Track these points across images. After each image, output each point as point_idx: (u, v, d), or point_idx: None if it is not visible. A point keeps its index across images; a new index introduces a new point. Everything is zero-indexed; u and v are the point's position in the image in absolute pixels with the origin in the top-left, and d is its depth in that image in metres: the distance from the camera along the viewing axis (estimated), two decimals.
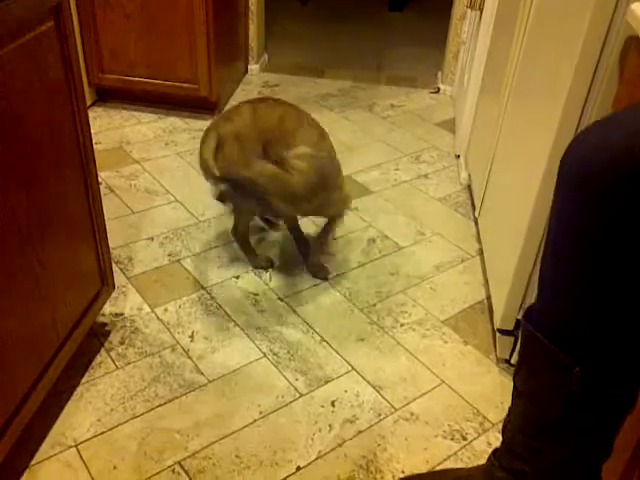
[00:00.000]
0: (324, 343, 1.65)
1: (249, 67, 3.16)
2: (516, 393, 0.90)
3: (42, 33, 1.16)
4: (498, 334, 1.58)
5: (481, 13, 2.27)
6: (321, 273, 1.88)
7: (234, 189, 1.59)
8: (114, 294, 1.73)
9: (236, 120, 1.64)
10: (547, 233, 0.79)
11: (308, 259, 1.91)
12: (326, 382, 1.54)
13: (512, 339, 1.55)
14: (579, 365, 0.77)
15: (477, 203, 2.06)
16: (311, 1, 4.28)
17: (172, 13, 2.48)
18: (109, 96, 2.79)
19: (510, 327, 1.54)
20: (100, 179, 2.27)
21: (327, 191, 1.68)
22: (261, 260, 1.90)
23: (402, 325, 1.72)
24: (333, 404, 1.48)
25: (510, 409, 0.93)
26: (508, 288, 1.50)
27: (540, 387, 0.83)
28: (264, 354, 1.61)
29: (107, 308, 1.71)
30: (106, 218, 1.79)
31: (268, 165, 1.56)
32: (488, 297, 1.79)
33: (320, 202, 1.67)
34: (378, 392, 1.52)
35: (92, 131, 2.60)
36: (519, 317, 1.51)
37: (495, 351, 1.63)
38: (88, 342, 1.59)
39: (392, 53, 3.56)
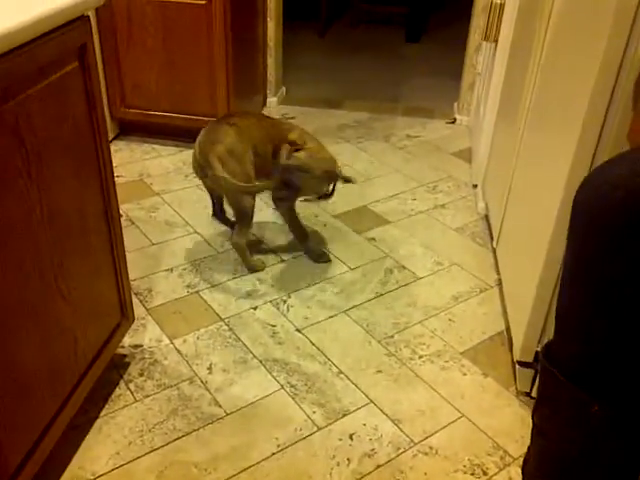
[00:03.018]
0: (342, 375, 1.64)
1: (267, 100, 3.21)
2: (535, 431, 0.89)
3: (67, 73, 1.19)
4: (518, 366, 1.56)
5: (496, 45, 2.29)
6: (322, 258, 2.06)
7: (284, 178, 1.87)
8: (134, 326, 1.75)
9: (225, 139, 1.87)
10: (562, 268, 0.78)
11: (309, 247, 2.07)
12: (344, 415, 1.53)
13: (532, 371, 1.53)
14: (598, 402, 0.76)
15: (495, 233, 2.05)
16: (328, 34, 4.35)
17: (192, 49, 2.54)
18: (131, 129, 2.85)
19: (530, 359, 1.52)
20: (121, 211, 2.30)
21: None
22: (255, 262, 2.02)
23: (420, 357, 1.71)
24: (351, 437, 1.47)
25: (530, 446, 0.92)
26: (527, 319, 1.49)
27: (559, 425, 0.82)
28: (282, 386, 1.60)
29: (127, 340, 1.73)
30: (126, 250, 1.82)
31: (298, 153, 1.84)
32: (507, 328, 1.78)
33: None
34: (397, 425, 1.50)
35: (114, 164, 2.66)
36: (539, 349, 1.49)
37: (515, 383, 1.61)
38: (107, 374, 1.60)
39: (409, 84, 3.60)
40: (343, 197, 2.45)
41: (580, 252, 0.75)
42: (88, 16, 1.22)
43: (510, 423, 1.51)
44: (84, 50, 1.23)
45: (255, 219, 2.28)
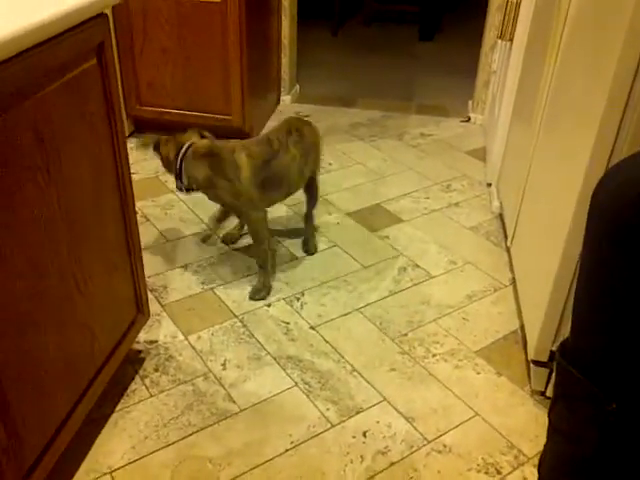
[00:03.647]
0: (355, 373, 1.65)
1: (281, 98, 3.21)
2: (551, 429, 0.88)
3: (85, 70, 1.21)
4: (532, 365, 1.55)
5: (511, 43, 2.28)
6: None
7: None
8: (149, 322, 1.76)
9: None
10: (579, 266, 0.78)
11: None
12: (357, 412, 1.53)
13: (547, 371, 1.53)
14: (615, 401, 0.75)
15: (509, 232, 2.04)
16: (341, 32, 4.35)
17: (207, 47, 2.55)
18: (146, 127, 2.87)
19: (544, 358, 1.52)
20: (136, 208, 2.31)
21: None
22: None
23: (434, 355, 1.71)
24: (365, 435, 1.47)
25: (545, 446, 0.92)
26: (542, 318, 1.48)
27: (575, 423, 0.82)
28: (295, 383, 1.61)
29: (142, 335, 1.74)
30: (142, 246, 1.83)
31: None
32: (522, 327, 1.77)
33: None
34: (410, 423, 1.50)
35: (130, 161, 2.67)
36: (553, 348, 1.49)
37: (529, 383, 1.60)
38: (123, 369, 1.62)
39: (422, 82, 3.59)
40: (356, 195, 2.45)
41: (597, 251, 0.74)
42: (106, 14, 1.23)
43: (524, 422, 1.51)
44: (102, 48, 1.24)
45: (268, 218, 2.29)
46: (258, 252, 1.91)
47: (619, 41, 1.16)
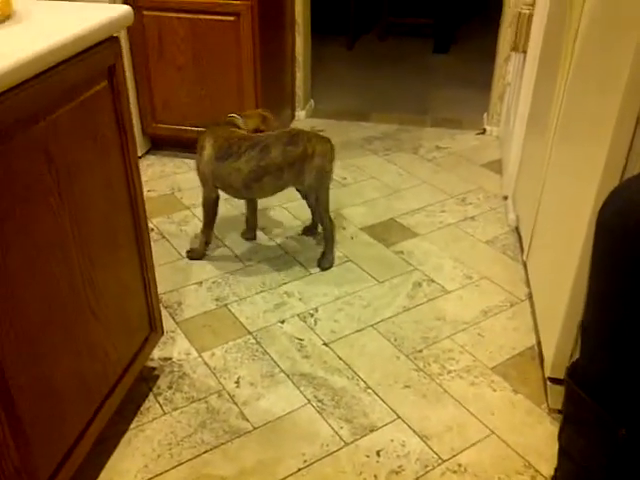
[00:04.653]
0: (369, 390, 1.63)
1: (296, 113, 3.23)
2: (561, 452, 0.86)
3: (96, 93, 1.22)
4: (549, 383, 1.53)
5: (525, 55, 2.27)
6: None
7: None
8: (163, 338, 1.77)
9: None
10: (588, 285, 0.77)
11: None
12: (371, 431, 1.52)
13: (564, 388, 1.49)
14: (624, 426, 0.73)
15: (525, 246, 2.02)
16: (357, 46, 4.36)
17: (221, 64, 2.58)
18: (162, 144, 2.90)
19: (561, 376, 1.47)
20: (152, 225, 2.34)
21: None
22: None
23: (449, 372, 1.69)
24: (378, 454, 1.46)
25: (556, 469, 0.90)
26: (558, 334, 1.46)
27: (585, 447, 0.80)
28: (309, 400, 1.60)
29: (156, 352, 1.75)
30: (157, 263, 1.85)
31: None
32: (538, 343, 1.74)
33: None
34: (425, 442, 1.48)
35: (145, 179, 2.71)
36: None
37: (547, 400, 1.58)
38: (137, 387, 1.62)
39: (437, 95, 3.58)
40: (371, 210, 2.44)
41: (604, 270, 0.73)
42: (117, 37, 1.25)
43: (541, 441, 1.48)
44: (113, 70, 1.26)
45: (281, 232, 2.30)
46: (202, 228, 2.14)
47: (630, 54, 1.15)
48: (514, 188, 2.35)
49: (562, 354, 1.47)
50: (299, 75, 3.15)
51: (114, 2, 2.44)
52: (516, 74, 2.53)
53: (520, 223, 2.21)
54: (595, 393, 0.77)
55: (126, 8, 1.25)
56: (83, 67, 1.15)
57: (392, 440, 1.49)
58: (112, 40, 1.24)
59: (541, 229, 1.83)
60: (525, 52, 2.26)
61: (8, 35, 1.08)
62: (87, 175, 1.22)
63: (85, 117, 1.19)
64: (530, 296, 1.94)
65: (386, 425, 1.53)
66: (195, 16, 2.48)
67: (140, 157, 2.83)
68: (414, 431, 1.51)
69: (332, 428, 1.52)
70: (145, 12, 2.51)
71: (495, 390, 1.63)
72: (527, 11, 2.14)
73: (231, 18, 2.47)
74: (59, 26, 1.12)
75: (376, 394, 1.62)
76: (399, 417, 1.55)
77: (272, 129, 2.13)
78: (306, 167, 1.95)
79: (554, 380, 1.51)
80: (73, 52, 1.10)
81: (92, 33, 1.15)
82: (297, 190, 2.14)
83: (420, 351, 1.76)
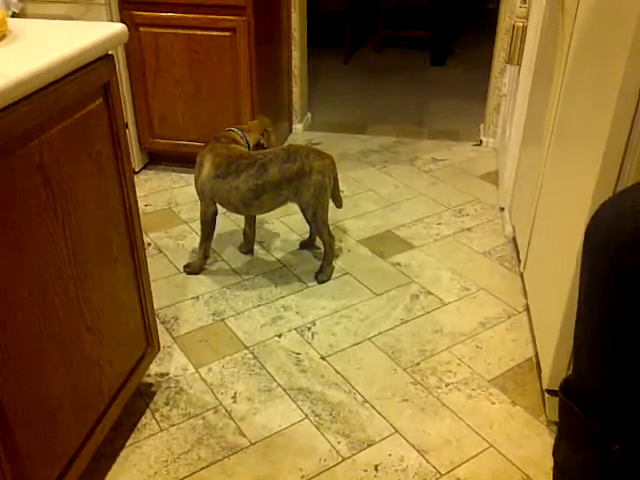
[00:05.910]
0: (367, 404, 1.62)
1: (293, 127, 3.24)
2: (557, 469, 0.86)
3: (92, 110, 1.23)
4: (547, 395, 1.52)
5: (520, 67, 2.28)
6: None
7: None
8: (160, 354, 1.76)
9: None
10: (578, 300, 0.77)
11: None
12: (369, 445, 1.51)
13: (558, 403, 1.49)
14: (618, 441, 0.73)
15: (522, 257, 2.02)
16: (353, 59, 4.39)
17: (218, 79, 2.59)
18: (160, 159, 2.91)
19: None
20: (149, 240, 2.34)
21: None
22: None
23: (447, 385, 1.68)
24: (376, 468, 1.45)
25: None
26: (555, 346, 1.46)
27: (580, 463, 0.79)
28: (306, 415, 1.59)
29: (153, 368, 1.74)
30: (154, 278, 1.84)
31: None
32: (536, 355, 1.74)
33: None
34: (423, 456, 1.48)
35: (143, 193, 2.71)
36: None
37: (545, 412, 1.57)
38: (134, 403, 1.62)
39: (434, 107, 3.60)
40: (368, 222, 2.45)
41: (592, 287, 0.73)
42: (112, 55, 1.25)
43: (540, 454, 1.47)
44: (108, 88, 1.27)
45: (279, 246, 2.30)
46: (200, 242, 2.14)
47: (622, 63, 1.15)
48: (510, 199, 2.36)
49: (559, 366, 1.47)
50: (296, 89, 3.17)
51: (111, 19, 2.46)
52: (511, 85, 2.54)
53: (517, 234, 2.21)
54: (589, 408, 0.76)
55: (120, 26, 1.26)
56: (78, 85, 1.16)
57: (390, 454, 1.48)
58: (107, 58, 1.25)
59: (537, 240, 1.84)
60: (520, 64, 2.27)
61: (3, 54, 1.09)
62: (82, 191, 1.22)
63: (80, 134, 1.20)
64: (527, 307, 1.93)
65: (384, 439, 1.52)
66: (191, 32, 2.50)
67: (137, 172, 2.84)
68: (412, 445, 1.51)
69: (330, 443, 1.52)
70: (142, 29, 2.52)
71: (493, 402, 1.62)
72: (521, 24, 2.16)
73: (227, 34, 2.49)
74: (54, 45, 1.13)
75: (374, 408, 1.61)
76: (397, 431, 1.55)
77: (271, 142, 2.15)
78: (304, 184, 1.96)
79: (552, 392, 1.50)
80: (68, 70, 1.11)
81: (87, 51, 1.16)
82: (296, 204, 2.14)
83: (418, 364, 1.75)
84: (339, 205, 2.13)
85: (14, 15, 2.38)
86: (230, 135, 2.07)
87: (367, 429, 1.55)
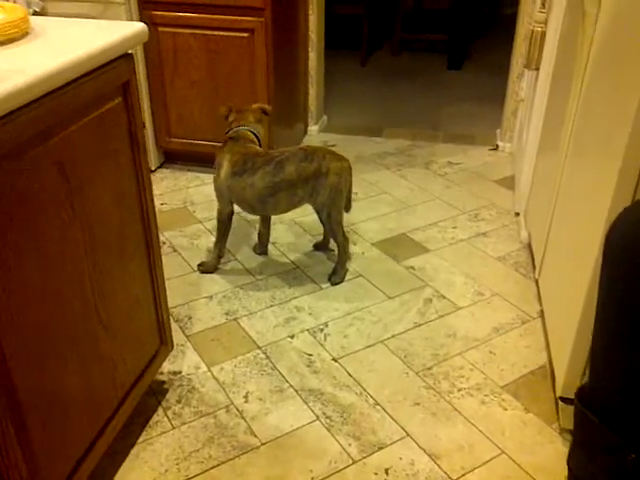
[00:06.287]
0: (378, 407, 1.62)
1: (309, 128, 3.25)
2: (571, 477, 0.85)
3: (110, 109, 1.24)
4: (561, 403, 1.51)
5: (538, 72, 2.27)
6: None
7: None
8: (173, 352, 1.77)
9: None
10: (596, 309, 0.76)
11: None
12: (380, 448, 1.50)
13: (573, 411, 1.47)
14: (635, 452, 0.72)
15: (537, 263, 2.01)
16: (370, 62, 4.39)
17: (235, 79, 2.60)
18: (176, 158, 2.92)
19: (573, 395, 1.47)
20: (164, 238, 2.36)
21: None
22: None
23: (459, 390, 1.67)
24: (387, 472, 1.44)
25: None
26: (569, 354, 1.44)
27: (594, 472, 0.78)
28: (317, 417, 1.59)
29: (166, 366, 1.75)
30: (168, 276, 1.85)
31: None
32: (550, 362, 1.72)
33: None
34: (434, 461, 1.47)
35: (159, 192, 2.72)
36: None
37: (558, 420, 1.56)
38: (146, 400, 1.62)
39: (450, 111, 3.59)
40: (382, 225, 2.44)
41: (612, 291, 0.72)
42: (131, 54, 1.26)
43: (553, 461, 1.46)
44: (127, 86, 1.27)
45: (293, 247, 2.30)
46: (215, 242, 2.15)
47: None
48: (526, 205, 2.34)
49: (574, 374, 1.45)
50: (312, 90, 3.17)
51: (131, 18, 2.48)
52: (529, 90, 2.52)
53: (532, 240, 2.19)
54: (604, 417, 0.76)
55: (141, 25, 1.27)
56: (97, 83, 1.17)
57: (401, 458, 1.48)
58: (127, 57, 1.25)
59: (553, 246, 1.82)
60: (538, 69, 2.26)
61: (25, 52, 1.10)
62: (99, 189, 1.23)
63: (99, 132, 1.21)
64: (542, 314, 1.92)
65: (395, 443, 1.52)
66: (209, 32, 2.51)
67: (154, 171, 2.86)
68: (423, 449, 1.50)
69: (340, 445, 1.51)
70: (160, 28, 2.54)
71: (506, 409, 1.61)
72: (540, 29, 2.14)
73: (245, 34, 2.49)
74: (75, 43, 1.14)
75: (385, 411, 1.61)
76: (408, 435, 1.54)
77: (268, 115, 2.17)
78: (320, 185, 1.96)
79: (566, 400, 1.49)
80: (88, 69, 1.12)
81: (107, 50, 1.16)
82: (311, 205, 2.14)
83: (430, 368, 1.75)
84: (347, 209, 2.13)
85: (35, 13, 2.41)
86: (247, 135, 2.08)
87: (378, 432, 1.55)
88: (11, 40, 1.13)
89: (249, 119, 2.11)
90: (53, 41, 1.16)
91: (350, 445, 1.51)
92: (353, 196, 2.50)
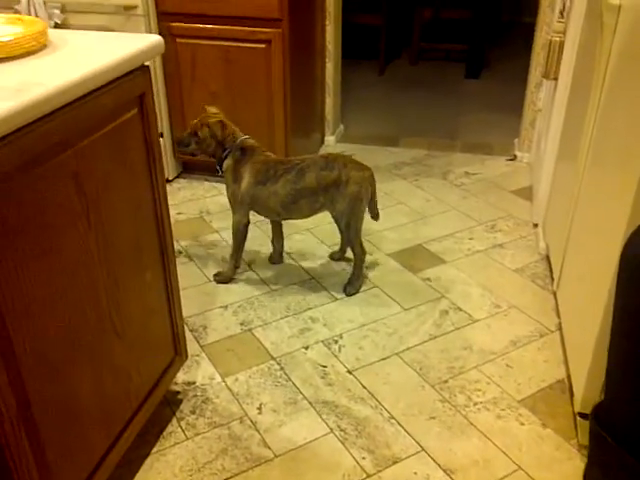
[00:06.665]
0: (393, 420, 1.60)
1: (325, 138, 3.25)
2: None
3: (127, 120, 1.25)
4: (579, 418, 1.48)
5: (556, 82, 2.25)
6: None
7: None
8: (188, 362, 1.77)
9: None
10: (611, 326, 0.74)
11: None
12: (394, 462, 1.49)
13: (589, 430, 1.45)
14: None
15: (556, 275, 1.98)
16: (387, 71, 4.39)
17: (252, 90, 2.61)
18: (193, 168, 2.94)
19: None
20: (181, 248, 2.36)
21: None
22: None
23: (475, 404, 1.65)
24: None
25: None
26: (588, 368, 1.42)
27: None
28: (331, 430, 1.58)
29: (180, 376, 1.75)
30: (184, 286, 1.85)
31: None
32: (568, 376, 1.69)
33: None
34: (449, 476, 1.45)
35: (176, 202, 2.74)
36: None
37: (577, 436, 1.53)
38: (160, 410, 1.62)
39: (468, 120, 3.57)
40: (398, 235, 2.43)
41: (627, 307, 0.70)
42: (148, 66, 1.27)
43: (570, 478, 1.43)
44: (143, 98, 1.28)
45: (309, 257, 2.30)
46: (231, 253, 2.15)
47: None
48: (544, 216, 2.32)
49: (593, 389, 1.43)
50: (329, 100, 3.18)
51: (150, 30, 2.51)
52: (547, 100, 2.50)
53: (550, 252, 2.17)
54: (620, 437, 0.74)
55: (157, 38, 1.28)
56: (114, 95, 1.18)
57: (415, 473, 1.46)
58: (143, 69, 1.26)
59: (572, 259, 1.80)
60: (556, 79, 2.24)
61: (43, 64, 1.11)
62: (115, 199, 1.24)
63: (115, 143, 1.22)
64: (560, 327, 1.89)
65: (409, 457, 1.50)
66: (227, 43, 2.53)
67: (171, 180, 2.87)
68: (438, 464, 1.48)
69: (354, 458, 1.50)
70: (179, 40, 2.56)
71: (523, 424, 1.59)
72: (558, 38, 2.12)
73: (262, 45, 2.51)
74: (92, 55, 1.15)
75: (400, 425, 1.59)
76: (423, 449, 1.52)
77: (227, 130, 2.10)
78: (339, 193, 1.96)
79: (584, 415, 1.46)
80: (104, 81, 1.13)
81: (124, 62, 1.17)
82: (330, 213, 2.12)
83: (446, 381, 1.73)
84: (375, 218, 2.13)
85: (57, 25, 2.44)
86: (254, 143, 2.09)
87: (392, 446, 1.53)
88: (30, 53, 1.14)
89: (235, 127, 2.12)
90: (71, 54, 1.18)
91: (364, 459, 1.50)
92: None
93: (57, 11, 2.44)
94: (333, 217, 2.05)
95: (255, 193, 2.01)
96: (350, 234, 2.04)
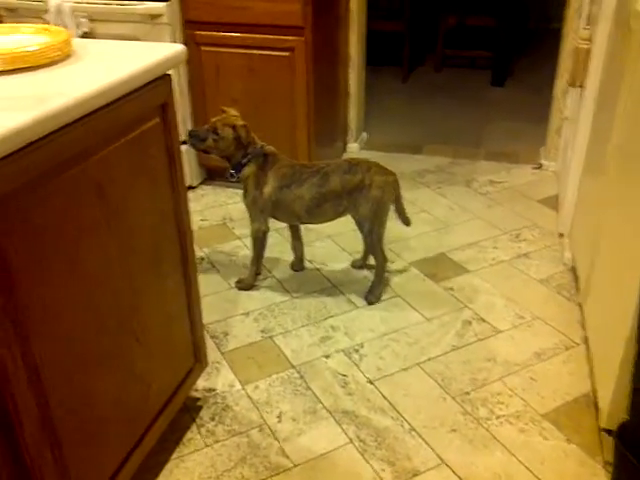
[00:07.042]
0: (413, 432, 1.58)
1: (348, 146, 3.24)
2: None
3: (149, 129, 1.26)
4: (604, 434, 1.44)
5: (583, 90, 2.21)
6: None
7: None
8: (208, 369, 1.77)
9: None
10: (637, 342, 0.72)
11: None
12: (414, 475, 1.47)
13: (613, 448, 1.41)
14: None
15: (582, 286, 1.94)
16: (411, 78, 4.37)
17: (275, 97, 2.62)
18: (217, 175, 2.95)
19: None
20: (203, 254, 2.38)
21: None
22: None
23: (498, 417, 1.62)
24: None
25: None
26: (614, 383, 1.38)
27: None
28: (350, 440, 1.57)
29: (201, 383, 1.75)
30: (206, 292, 1.86)
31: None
32: (594, 391, 1.66)
33: None
34: None
35: (199, 208, 2.75)
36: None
37: (602, 452, 1.49)
38: (180, 417, 1.63)
39: (492, 128, 3.53)
40: (421, 244, 2.41)
41: None
42: (169, 75, 1.28)
43: None
44: (165, 106, 1.29)
45: (330, 264, 2.29)
46: (251, 260, 2.15)
47: None
48: (570, 226, 2.28)
49: (618, 404, 1.39)
50: (352, 108, 3.17)
51: (174, 38, 2.53)
52: (574, 108, 2.46)
53: (576, 262, 2.13)
54: None
55: (180, 47, 1.29)
56: (136, 104, 1.19)
57: None
58: (165, 78, 1.27)
59: (598, 270, 1.76)
60: (582, 87, 2.21)
61: (65, 73, 1.13)
62: (136, 207, 1.25)
63: (136, 152, 1.22)
64: (586, 340, 1.85)
65: (430, 470, 1.48)
66: (251, 51, 2.54)
67: (195, 187, 2.89)
68: (459, 478, 1.46)
69: (374, 470, 1.48)
70: (203, 48, 2.59)
71: (546, 438, 1.55)
72: (585, 46, 2.09)
73: (286, 53, 2.51)
74: (114, 65, 1.16)
75: (420, 437, 1.57)
76: (443, 462, 1.50)
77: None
78: (362, 197, 1.96)
79: (610, 431, 1.42)
80: (127, 90, 1.14)
81: (145, 72, 1.18)
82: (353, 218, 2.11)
83: (468, 393, 1.70)
84: (406, 223, 2.13)
85: (85, 34, 2.48)
86: (274, 150, 2.09)
87: (413, 458, 1.51)
88: (54, 62, 1.16)
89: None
90: (93, 63, 1.19)
91: (384, 470, 1.48)
92: (392, 214, 2.48)
93: (84, 20, 2.48)
94: (356, 222, 2.03)
95: (279, 197, 2.01)
96: (373, 240, 2.03)
